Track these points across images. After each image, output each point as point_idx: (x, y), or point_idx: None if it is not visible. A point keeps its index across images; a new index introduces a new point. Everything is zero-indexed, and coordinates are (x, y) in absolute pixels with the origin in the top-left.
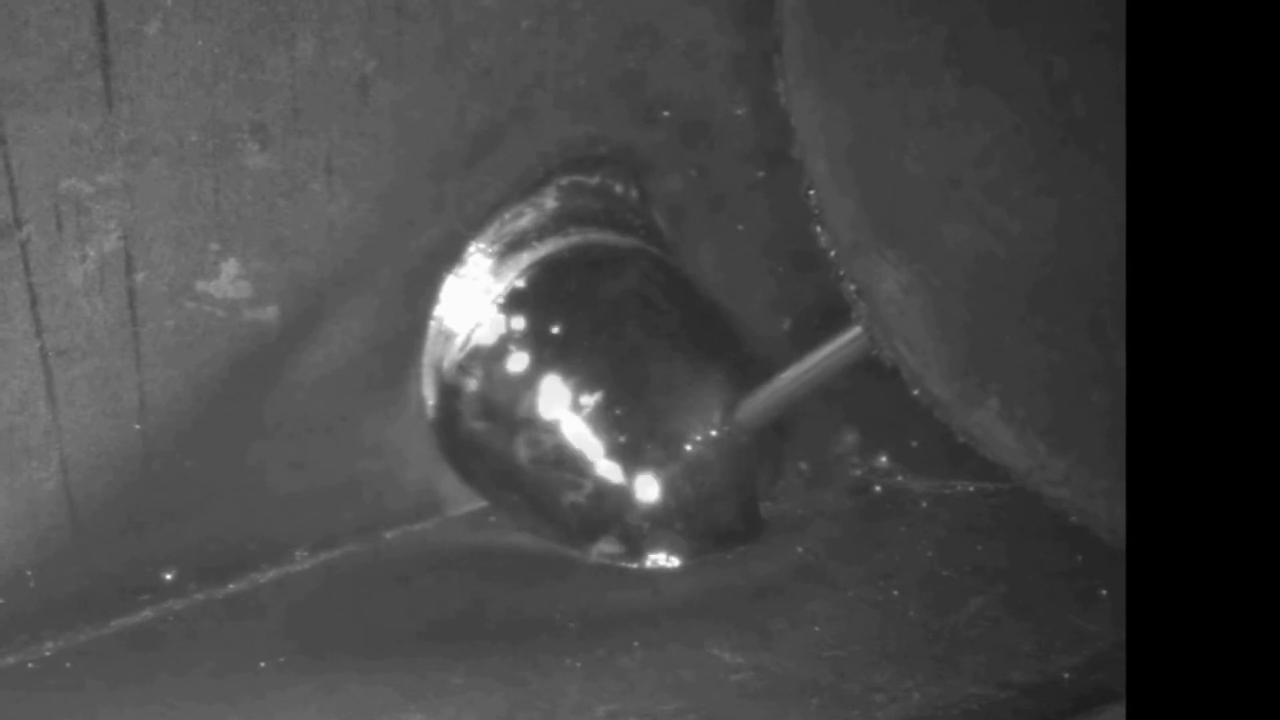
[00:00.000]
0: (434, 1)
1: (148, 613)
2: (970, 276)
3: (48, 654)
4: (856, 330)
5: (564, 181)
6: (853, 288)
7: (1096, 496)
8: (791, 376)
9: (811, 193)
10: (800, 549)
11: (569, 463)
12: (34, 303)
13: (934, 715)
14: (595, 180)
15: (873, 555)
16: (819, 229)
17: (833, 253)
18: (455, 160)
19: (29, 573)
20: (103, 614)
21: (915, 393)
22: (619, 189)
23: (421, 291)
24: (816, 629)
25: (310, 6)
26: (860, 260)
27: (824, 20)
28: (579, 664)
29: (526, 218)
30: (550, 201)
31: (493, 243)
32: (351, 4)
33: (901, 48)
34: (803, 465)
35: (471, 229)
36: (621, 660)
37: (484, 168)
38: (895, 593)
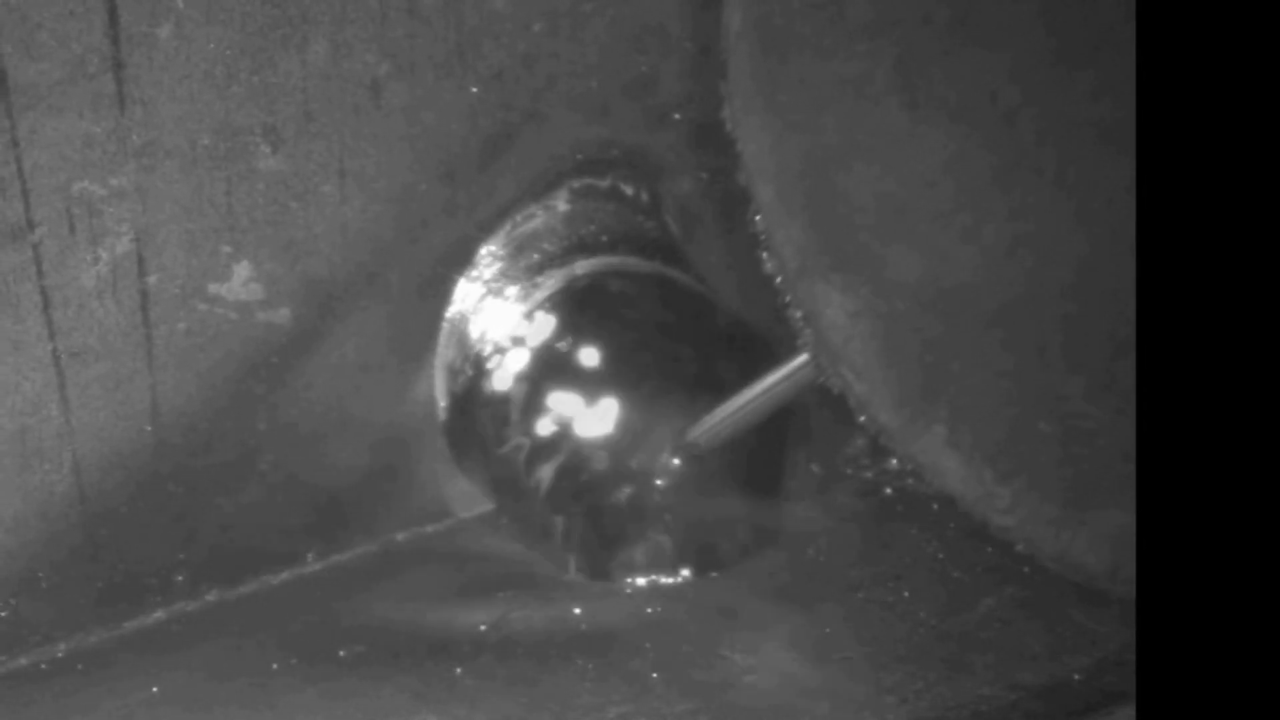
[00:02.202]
0: (446, 4)
1: (159, 614)
2: (917, 303)
3: (60, 655)
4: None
5: (576, 184)
6: (799, 313)
7: (1043, 524)
8: (743, 401)
9: (758, 217)
10: (811, 550)
11: (572, 473)
12: (46, 305)
13: (944, 716)
14: (607, 183)
15: (883, 557)
16: (765, 254)
17: (779, 278)
18: (467, 163)
19: (41, 574)
20: (114, 615)
21: (861, 419)
22: (630, 191)
23: (433, 294)
24: (827, 630)
25: (322, 9)
26: (806, 285)
27: (770, 43)
28: (590, 665)
29: (538, 220)
30: (562, 204)
31: (504, 245)
32: (364, 7)
33: (849, 71)
34: (814, 467)
35: (483, 231)
36: (633, 662)
37: (496, 170)
38: (906, 594)
